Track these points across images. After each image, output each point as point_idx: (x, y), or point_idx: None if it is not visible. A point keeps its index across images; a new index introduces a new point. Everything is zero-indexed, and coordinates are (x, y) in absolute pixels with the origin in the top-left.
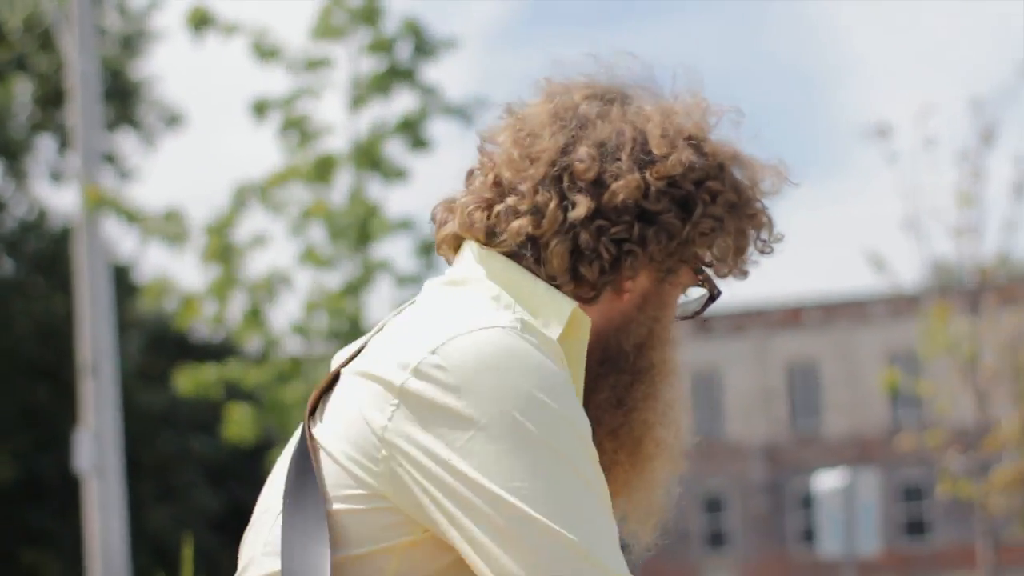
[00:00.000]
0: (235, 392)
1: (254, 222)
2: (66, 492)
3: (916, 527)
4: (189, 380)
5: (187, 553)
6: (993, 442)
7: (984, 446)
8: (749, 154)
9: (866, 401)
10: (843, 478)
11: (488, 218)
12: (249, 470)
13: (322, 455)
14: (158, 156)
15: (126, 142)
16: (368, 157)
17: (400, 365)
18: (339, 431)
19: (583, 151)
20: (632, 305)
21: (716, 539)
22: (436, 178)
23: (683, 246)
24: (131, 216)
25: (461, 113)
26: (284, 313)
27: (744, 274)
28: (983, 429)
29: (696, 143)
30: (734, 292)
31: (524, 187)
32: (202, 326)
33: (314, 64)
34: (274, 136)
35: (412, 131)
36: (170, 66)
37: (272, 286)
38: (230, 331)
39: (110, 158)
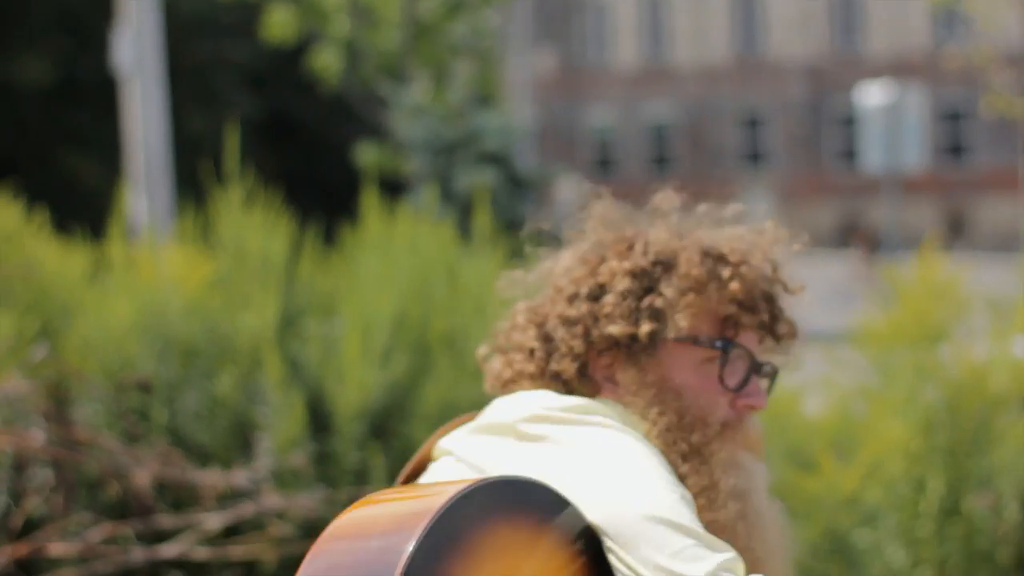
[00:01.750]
0: None
1: None
2: (105, 94)
3: (958, 149)
4: None
5: (232, 142)
6: None
7: None
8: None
9: (910, 19)
10: (889, 93)
11: None
12: (288, 76)
13: None
14: None
15: None
16: None
17: None
18: None
19: None
20: (632, 391)
21: (754, 157)
22: None
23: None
24: None
25: None
26: None
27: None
28: None
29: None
30: None
31: None
32: None
33: None
34: None
35: None
36: None
37: None
38: None
39: None
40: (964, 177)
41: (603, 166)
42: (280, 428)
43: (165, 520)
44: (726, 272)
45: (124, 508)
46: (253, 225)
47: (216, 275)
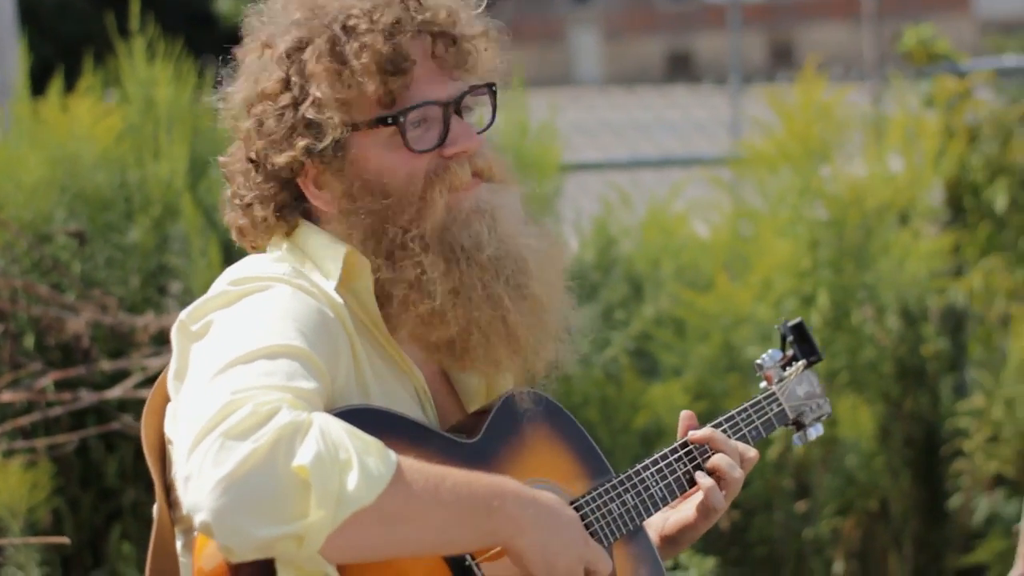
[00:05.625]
0: None
1: None
2: None
3: None
4: None
5: None
6: None
7: None
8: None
9: None
10: None
11: None
12: None
13: None
14: None
15: None
16: None
17: None
18: None
19: None
20: (338, 196)
21: None
22: None
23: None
24: None
25: None
26: None
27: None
28: None
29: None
30: None
31: None
32: None
33: None
34: None
35: None
36: None
37: None
38: None
39: None
40: (795, 1)
41: None
42: (197, 274)
43: (107, 365)
44: (353, 46)
45: (68, 357)
46: (159, 75)
47: (124, 126)
